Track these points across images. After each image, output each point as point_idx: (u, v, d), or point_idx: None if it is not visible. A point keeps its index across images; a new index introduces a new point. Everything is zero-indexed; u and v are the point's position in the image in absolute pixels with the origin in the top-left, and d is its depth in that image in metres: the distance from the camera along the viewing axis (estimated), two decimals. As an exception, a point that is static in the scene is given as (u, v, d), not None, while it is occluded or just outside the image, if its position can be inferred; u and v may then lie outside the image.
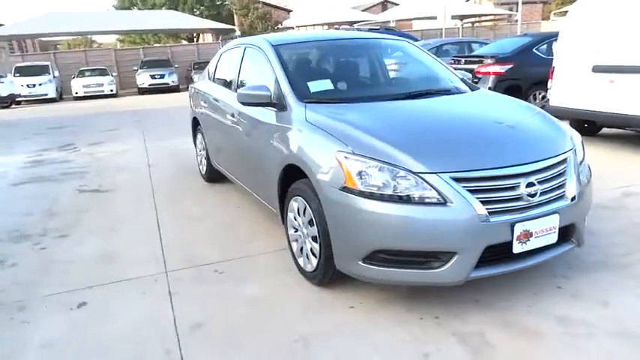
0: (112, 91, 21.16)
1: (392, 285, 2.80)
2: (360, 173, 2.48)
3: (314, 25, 32.57)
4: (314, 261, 2.89)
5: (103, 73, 21.89)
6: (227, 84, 4.50)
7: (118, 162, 6.81)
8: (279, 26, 24.99)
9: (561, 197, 2.63)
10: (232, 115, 4.08)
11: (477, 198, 2.40)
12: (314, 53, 3.88)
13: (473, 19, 28.52)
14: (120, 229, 4.17)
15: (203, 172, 5.46)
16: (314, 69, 3.74)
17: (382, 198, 2.43)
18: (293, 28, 27.73)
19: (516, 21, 29.29)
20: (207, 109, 4.88)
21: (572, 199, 2.66)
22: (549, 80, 6.76)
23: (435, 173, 2.42)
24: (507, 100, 3.51)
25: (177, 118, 11.57)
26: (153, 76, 21.54)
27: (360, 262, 2.54)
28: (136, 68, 22.54)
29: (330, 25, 26.76)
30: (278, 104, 3.33)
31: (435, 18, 18.42)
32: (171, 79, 21.78)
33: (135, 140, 8.56)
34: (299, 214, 3.02)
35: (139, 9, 34.88)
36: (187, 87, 23.02)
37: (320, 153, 2.72)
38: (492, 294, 2.77)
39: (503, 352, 2.28)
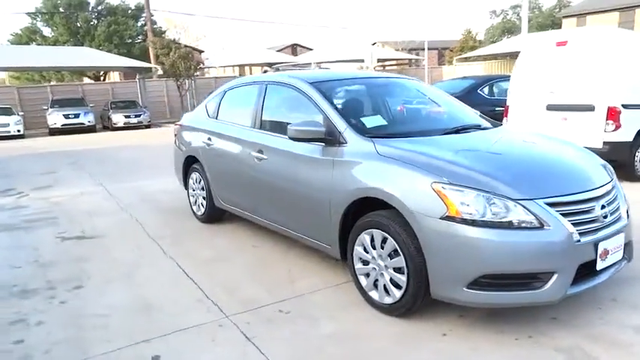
0: (19, 131, 19.39)
1: (485, 307, 2.91)
2: (461, 202, 2.59)
3: (240, 65, 32.81)
4: (397, 292, 2.91)
5: (7, 112, 20.03)
6: (244, 121, 4.43)
7: (84, 206, 6.28)
8: (202, 66, 24.78)
9: (620, 218, 2.93)
10: (260, 152, 4.01)
11: (569, 221, 2.61)
12: (350, 91, 3.98)
13: (385, 63, 30.48)
14: (138, 276, 3.86)
15: (199, 213, 5.23)
16: (355, 105, 3.83)
17: (485, 225, 2.55)
18: (215, 67, 27.65)
19: (420, 65, 31.77)
20: (213, 147, 4.74)
21: (627, 218, 2.97)
22: (504, 118, 7.43)
23: (531, 199, 2.61)
24: (538, 133, 3.85)
25: (122, 158, 10.95)
26: (67, 116, 20.12)
27: (464, 288, 2.61)
28: (45, 107, 20.96)
29: (249, 65, 27.15)
30: (330, 139, 3.36)
31: (362, 61, 19.49)
32: (87, 119, 20.49)
33: (86, 183, 7.94)
34: (373, 247, 3.04)
35: (38, 44, 32.77)
36: (103, 127, 22.15)
37: (410, 184, 2.78)
38: (564, 311, 2.96)
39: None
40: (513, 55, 31.39)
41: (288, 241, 4.40)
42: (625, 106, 6.12)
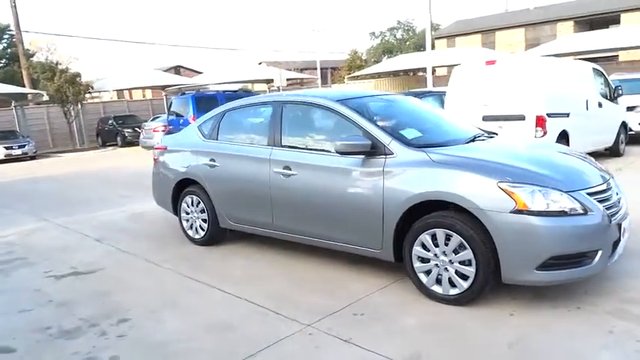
0: None
1: (541, 286, 3.37)
2: (526, 197, 3.05)
3: (138, 87, 31.13)
4: (464, 283, 3.28)
5: None
6: (257, 140, 4.54)
7: (49, 243, 5.76)
8: (91, 90, 23.21)
9: (623, 203, 3.62)
10: (287, 168, 4.15)
11: (603, 206, 3.21)
12: (372, 107, 4.29)
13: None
14: (183, 302, 3.76)
15: (198, 236, 5.14)
16: (385, 120, 4.14)
17: (548, 214, 3.04)
18: (108, 91, 26.00)
19: (313, 84, 33.03)
20: (219, 168, 4.74)
21: None
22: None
23: (576, 191, 3.16)
24: (531, 139, 4.51)
25: (44, 191, 10.01)
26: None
27: (535, 270, 3.06)
28: None
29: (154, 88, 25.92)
30: (373, 152, 3.66)
31: (271, 81, 19.96)
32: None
33: (26, 219, 7.19)
34: (435, 246, 3.38)
35: None
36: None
37: (476, 186, 3.18)
38: (590, 286, 3.54)
39: (656, 315, 3.06)
40: (396, 73, 34.15)
41: (306, 250, 4.56)
42: (549, 115, 7.23)
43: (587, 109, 8.24)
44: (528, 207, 3.04)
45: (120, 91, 35.25)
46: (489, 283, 3.23)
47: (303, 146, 4.21)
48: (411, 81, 33.83)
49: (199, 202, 5.05)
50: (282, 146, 4.31)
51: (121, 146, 21.55)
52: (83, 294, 4.05)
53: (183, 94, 14.29)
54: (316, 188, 4.00)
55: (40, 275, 4.60)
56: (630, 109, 10.27)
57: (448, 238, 3.32)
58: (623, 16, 28.65)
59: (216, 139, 4.94)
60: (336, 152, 3.75)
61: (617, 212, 3.35)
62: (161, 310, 3.62)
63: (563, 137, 7.54)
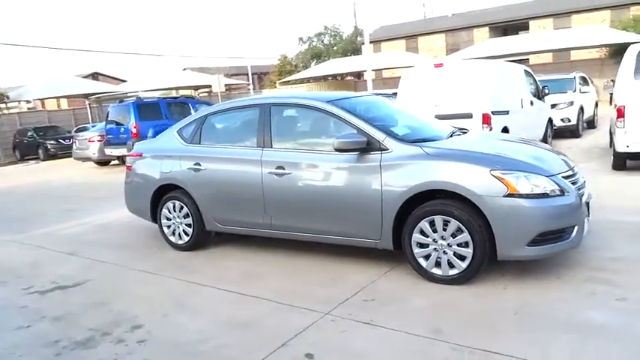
0: None
1: (529, 260, 3.77)
2: (515, 182, 3.44)
3: (62, 97, 29.17)
4: (462, 264, 3.61)
5: None
6: (245, 142, 4.65)
7: (14, 260, 5.46)
8: (6, 100, 21.61)
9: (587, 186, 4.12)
10: (280, 168, 4.29)
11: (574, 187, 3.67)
12: (359, 107, 4.52)
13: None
14: (191, 304, 3.80)
15: (181, 242, 5.13)
16: (374, 118, 4.38)
17: (535, 196, 3.44)
18: (29, 101, 24.31)
19: (245, 89, 32.91)
20: (205, 171, 4.78)
21: None
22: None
23: (555, 175, 3.59)
24: (498, 133, 4.95)
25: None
26: None
27: (526, 247, 3.45)
28: None
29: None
30: (368, 148, 3.91)
31: (209, 86, 19.74)
32: None
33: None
34: (433, 232, 3.69)
35: None
36: None
37: (471, 174, 3.52)
38: (561, 260, 4.01)
39: (627, 279, 3.54)
40: (326, 77, 34.87)
41: (293, 247, 4.72)
42: (493, 113, 7.87)
43: (522, 106, 9.04)
44: (518, 191, 3.42)
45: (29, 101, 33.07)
46: (484, 262, 3.58)
47: (296, 146, 4.38)
48: (341, 85, 34.74)
49: (182, 207, 5.04)
50: (274, 147, 4.45)
51: (44, 159, 20.27)
52: (79, 306, 3.94)
53: (122, 101, 13.82)
54: (312, 186, 4.19)
55: (19, 293, 4.39)
56: (553, 106, 11.35)
57: (446, 223, 3.64)
58: (532, 23, 31.17)
59: (199, 143, 4.97)
60: (335, 150, 3.96)
61: (584, 193, 3.83)
62: (173, 314, 3.64)
63: (505, 132, 8.23)
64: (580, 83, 12.85)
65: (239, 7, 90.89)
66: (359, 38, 42.23)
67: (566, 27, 29.22)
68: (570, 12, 30.05)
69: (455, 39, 34.64)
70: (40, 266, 5.12)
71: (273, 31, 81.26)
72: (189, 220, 5.02)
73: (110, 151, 13.39)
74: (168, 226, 5.22)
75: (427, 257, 3.77)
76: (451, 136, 4.39)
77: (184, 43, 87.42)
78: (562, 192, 3.54)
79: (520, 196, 3.42)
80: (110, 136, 13.38)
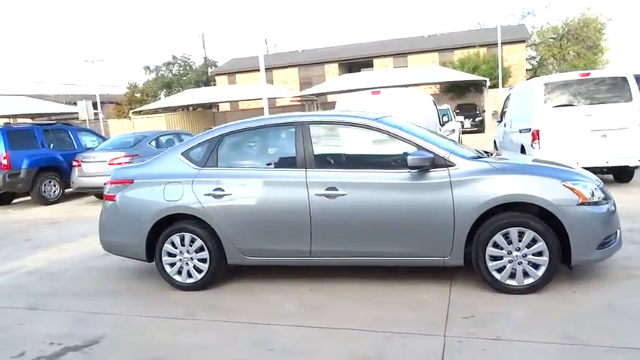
0: None
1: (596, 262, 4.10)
2: (585, 191, 3.77)
3: None
4: (538, 272, 3.80)
5: None
6: (279, 163, 4.29)
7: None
8: None
9: None
10: (331, 189, 4.02)
11: (609, 197, 4.17)
12: (400, 125, 4.46)
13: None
14: (275, 346, 3.30)
15: (192, 280, 4.42)
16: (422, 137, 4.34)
17: (597, 203, 3.82)
18: None
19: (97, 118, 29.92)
20: (231, 196, 4.24)
21: None
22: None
23: (600, 184, 4.03)
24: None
25: None
26: None
27: (596, 250, 3.78)
28: None
29: None
30: (436, 165, 3.92)
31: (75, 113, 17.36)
32: None
33: None
34: (508, 243, 3.82)
35: None
36: None
37: (545, 187, 3.75)
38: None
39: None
40: (183, 108, 33.52)
41: (323, 273, 4.44)
42: (428, 137, 8.48)
43: (439, 130, 9.91)
44: (587, 199, 3.76)
45: None
46: (557, 269, 3.82)
47: (346, 166, 4.16)
48: (201, 116, 33.67)
49: (194, 240, 4.37)
50: (320, 167, 4.16)
51: None
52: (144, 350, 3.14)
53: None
54: (372, 206, 4.01)
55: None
56: (451, 132, 12.70)
57: (520, 234, 3.80)
58: (375, 61, 34.45)
59: (216, 166, 4.40)
60: (410, 167, 3.87)
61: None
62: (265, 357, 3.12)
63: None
64: (455, 113, 14.60)
65: (81, 31, 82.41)
66: (210, 69, 41.79)
67: (403, 66, 32.96)
68: (407, 53, 34.01)
69: (307, 73, 36.43)
70: (11, 328, 3.92)
71: (118, 58, 75.38)
72: (204, 254, 4.36)
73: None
74: (172, 264, 4.46)
75: (500, 270, 3.87)
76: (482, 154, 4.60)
77: (20, 68, 76.08)
78: (607, 198, 3.98)
79: (589, 204, 3.76)
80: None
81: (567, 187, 3.77)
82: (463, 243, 3.89)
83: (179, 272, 4.46)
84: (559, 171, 3.99)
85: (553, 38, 35.25)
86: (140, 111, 31.06)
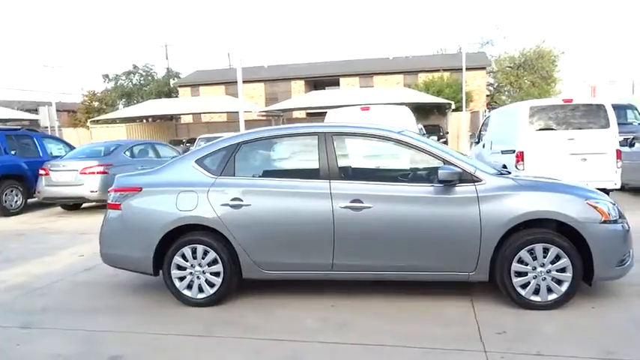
0: None
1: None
2: (607, 209, 3.86)
3: None
4: (561, 288, 3.83)
5: None
6: (300, 173, 4.18)
7: None
8: None
9: None
10: (356, 201, 3.94)
11: (619, 215, 4.28)
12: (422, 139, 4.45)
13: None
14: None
15: (203, 295, 4.19)
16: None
17: (616, 222, 3.91)
18: None
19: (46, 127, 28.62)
20: (250, 207, 4.07)
21: None
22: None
23: (614, 203, 4.15)
24: None
25: None
26: None
27: (615, 267, 3.86)
28: None
29: None
30: (463, 179, 3.92)
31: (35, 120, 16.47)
32: None
33: None
34: (533, 259, 3.85)
35: None
36: None
37: (571, 204, 3.82)
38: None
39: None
40: (146, 118, 32.59)
41: (348, 289, 4.34)
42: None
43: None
44: (609, 217, 3.85)
45: None
46: (580, 285, 3.87)
47: (371, 177, 4.10)
48: (161, 127, 32.81)
49: (207, 252, 4.16)
50: (344, 179, 4.08)
51: None
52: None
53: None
54: (398, 219, 3.95)
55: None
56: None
57: (545, 250, 3.84)
58: (342, 80, 34.86)
59: (233, 175, 4.23)
60: (440, 181, 3.85)
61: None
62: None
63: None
64: (425, 132, 14.88)
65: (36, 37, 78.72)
66: (173, 80, 41.04)
67: (369, 86, 33.53)
68: (372, 73, 34.61)
69: (274, 88, 36.42)
70: (8, 350, 3.56)
71: (72, 65, 72.51)
72: (217, 268, 4.15)
73: None
74: (182, 278, 4.22)
75: (524, 286, 3.88)
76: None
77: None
78: (622, 217, 4.09)
79: (610, 222, 3.85)
80: None
81: (591, 205, 3.84)
82: (489, 258, 3.88)
83: (189, 287, 4.22)
84: (581, 189, 4.07)
85: (510, 67, 36.84)
86: (98, 120, 29.96)
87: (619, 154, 8.11)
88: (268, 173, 4.30)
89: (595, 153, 8.12)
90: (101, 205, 10.86)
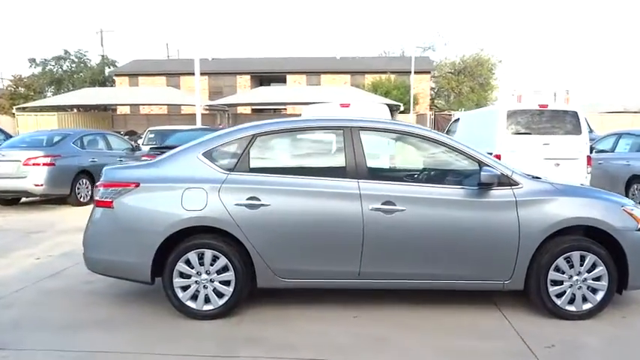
0: None
1: None
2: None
3: None
4: (597, 297, 3.70)
5: None
6: (324, 171, 3.78)
7: None
8: None
9: None
10: (388, 203, 3.60)
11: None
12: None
13: None
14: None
15: (210, 307, 3.67)
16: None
17: (650, 229, 3.84)
18: None
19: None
20: (269, 208, 3.61)
21: None
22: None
23: (639, 209, 4.09)
24: None
25: None
26: None
27: (649, 275, 3.79)
28: None
29: None
30: (501, 183, 3.69)
31: None
32: None
33: None
34: (569, 267, 3.69)
35: None
36: None
37: (608, 211, 3.69)
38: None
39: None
40: (76, 108, 30.40)
41: (368, 298, 3.99)
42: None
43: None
44: (644, 224, 3.77)
45: None
46: (614, 294, 3.75)
47: (402, 178, 3.77)
48: (96, 118, 30.76)
49: (216, 258, 3.65)
50: (374, 178, 3.72)
51: None
52: None
53: None
54: (433, 223, 3.65)
55: None
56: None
57: (582, 258, 3.68)
58: (289, 77, 34.43)
59: (249, 171, 3.74)
60: (479, 184, 3.59)
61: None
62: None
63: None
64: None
65: None
66: (108, 69, 38.73)
67: (316, 84, 33.35)
68: (320, 72, 34.48)
69: (218, 82, 35.34)
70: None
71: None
72: (228, 276, 3.66)
73: None
74: (185, 287, 3.68)
75: (559, 295, 3.71)
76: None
77: None
78: (644, 224, 4.04)
79: (647, 229, 3.77)
80: None
81: (627, 211, 3.74)
82: (526, 266, 3.68)
83: (193, 297, 3.69)
84: (615, 195, 3.97)
85: (451, 72, 38.01)
86: (25, 107, 27.60)
87: (589, 160, 8.34)
88: (287, 170, 3.84)
89: (568, 158, 8.29)
90: (44, 201, 9.82)
